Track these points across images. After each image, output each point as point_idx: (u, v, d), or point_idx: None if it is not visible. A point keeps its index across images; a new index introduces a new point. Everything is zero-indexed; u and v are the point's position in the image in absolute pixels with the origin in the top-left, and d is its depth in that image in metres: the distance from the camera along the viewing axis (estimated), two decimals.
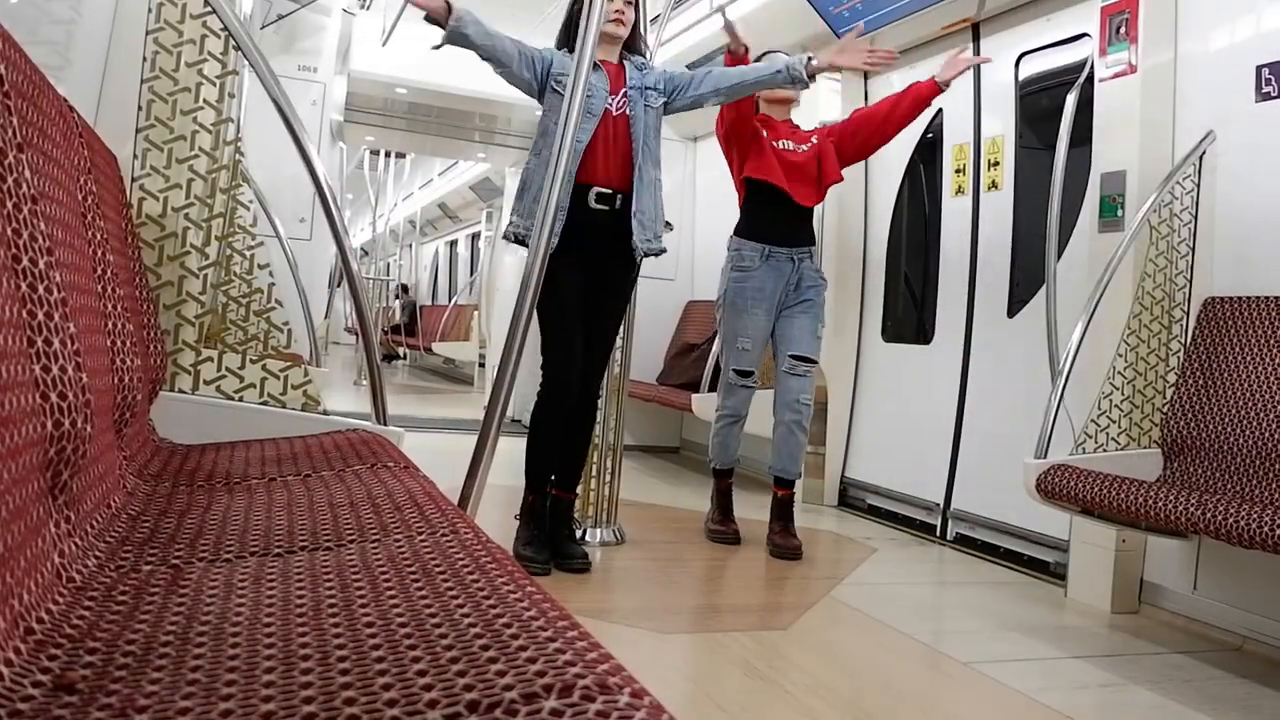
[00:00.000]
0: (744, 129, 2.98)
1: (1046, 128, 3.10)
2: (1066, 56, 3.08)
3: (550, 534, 2.64)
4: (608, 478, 3.00)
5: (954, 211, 3.54)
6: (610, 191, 2.58)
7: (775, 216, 3.01)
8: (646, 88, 2.64)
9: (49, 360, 0.84)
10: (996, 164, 3.36)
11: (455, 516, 1.05)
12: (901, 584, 2.81)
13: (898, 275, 3.87)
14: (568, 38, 2.69)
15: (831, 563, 2.95)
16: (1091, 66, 2.74)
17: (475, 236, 11.05)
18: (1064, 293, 2.66)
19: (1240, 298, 2.38)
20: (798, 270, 3.02)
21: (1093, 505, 2.13)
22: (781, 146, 3.03)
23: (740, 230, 3.08)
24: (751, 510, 3.29)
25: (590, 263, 2.59)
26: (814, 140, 3.08)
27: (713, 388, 4.30)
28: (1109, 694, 1.95)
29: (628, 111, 2.62)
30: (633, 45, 2.72)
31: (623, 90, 2.63)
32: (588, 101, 2.52)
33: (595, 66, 2.59)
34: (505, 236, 2.63)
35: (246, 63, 1.98)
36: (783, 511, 3.01)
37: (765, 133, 3.03)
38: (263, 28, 4.43)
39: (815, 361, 3.03)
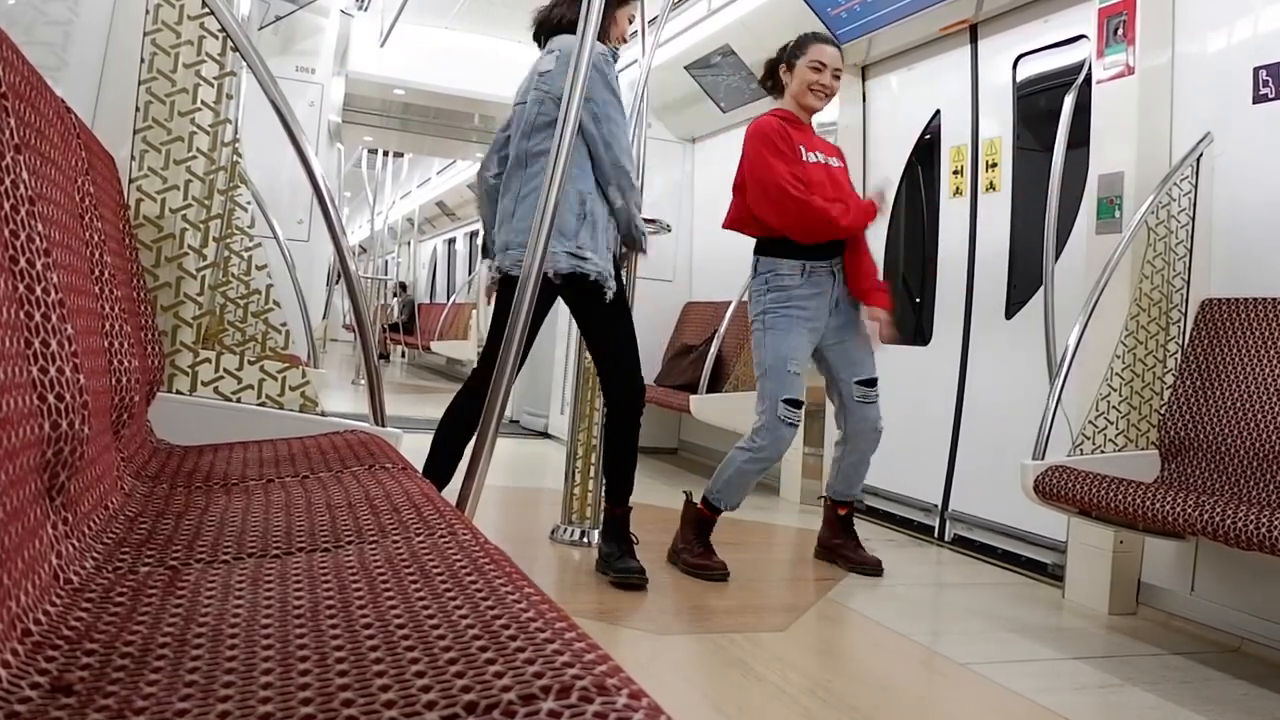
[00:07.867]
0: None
1: (1044, 129, 3.11)
2: (1064, 58, 3.08)
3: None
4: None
5: (952, 213, 3.54)
6: None
7: None
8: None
9: (46, 362, 0.84)
10: (994, 165, 3.36)
11: (453, 518, 1.05)
12: (899, 585, 2.81)
13: (896, 276, 3.87)
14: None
15: (829, 564, 2.95)
16: (1089, 68, 2.74)
17: (474, 234, 11.05)
18: (1062, 294, 2.66)
19: (1238, 299, 2.39)
20: (839, 283, 2.71)
21: (1090, 506, 2.13)
22: (816, 159, 2.68)
23: (768, 247, 2.69)
24: (747, 512, 3.29)
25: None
26: (837, 161, 2.79)
27: (711, 389, 4.31)
28: (1106, 695, 1.96)
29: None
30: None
31: None
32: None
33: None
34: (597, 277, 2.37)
35: (244, 64, 1.98)
36: (850, 527, 2.96)
37: (801, 145, 2.66)
38: (260, 29, 4.42)
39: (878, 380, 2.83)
